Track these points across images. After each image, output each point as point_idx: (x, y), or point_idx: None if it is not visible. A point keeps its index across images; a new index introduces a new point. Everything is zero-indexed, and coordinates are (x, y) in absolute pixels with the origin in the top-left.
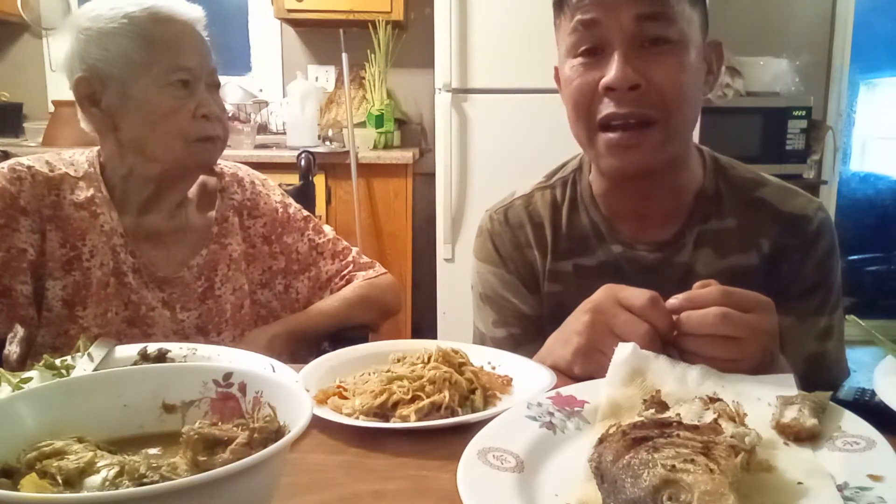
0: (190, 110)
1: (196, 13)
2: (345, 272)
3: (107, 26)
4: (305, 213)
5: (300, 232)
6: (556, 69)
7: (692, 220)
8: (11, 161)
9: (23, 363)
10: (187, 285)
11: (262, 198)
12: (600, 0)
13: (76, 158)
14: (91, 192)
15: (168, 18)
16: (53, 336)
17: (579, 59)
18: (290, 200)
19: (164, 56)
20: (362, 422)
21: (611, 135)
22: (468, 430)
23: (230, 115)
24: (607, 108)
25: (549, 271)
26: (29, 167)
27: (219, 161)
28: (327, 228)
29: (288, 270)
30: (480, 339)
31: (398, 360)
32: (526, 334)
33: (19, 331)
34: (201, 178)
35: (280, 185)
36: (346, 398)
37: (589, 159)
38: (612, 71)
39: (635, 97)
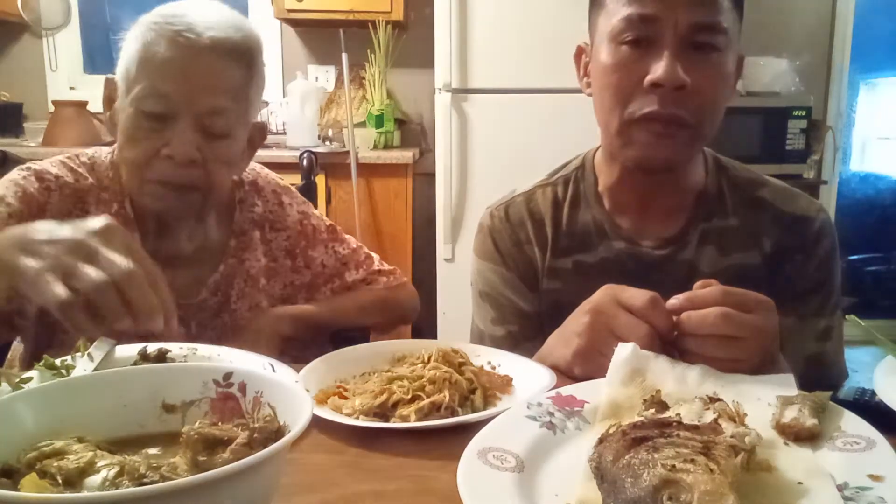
0: (155, 146)
1: (221, 35)
2: (368, 278)
3: (134, 31)
4: (327, 221)
5: (325, 244)
6: (581, 48)
7: (695, 218)
8: (36, 167)
9: (29, 365)
10: (203, 301)
11: (285, 209)
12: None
13: (98, 159)
14: (115, 207)
15: (173, 36)
16: (59, 345)
17: (624, 48)
18: (311, 209)
19: (147, 78)
20: (362, 422)
21: (647, 128)
22: (468, 430)
23: None
24: (649, 104)
25: (548, 268)
26: (56, 176)
27: None
28: (348, 237)
29: (312, 284)
30: (479, 337)
31: (398, 360)
32: (524, 332)
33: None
34: None
35: None
36: (346, 398)
37: (608, 148)
38: (661, 68)
39: (678, 97)
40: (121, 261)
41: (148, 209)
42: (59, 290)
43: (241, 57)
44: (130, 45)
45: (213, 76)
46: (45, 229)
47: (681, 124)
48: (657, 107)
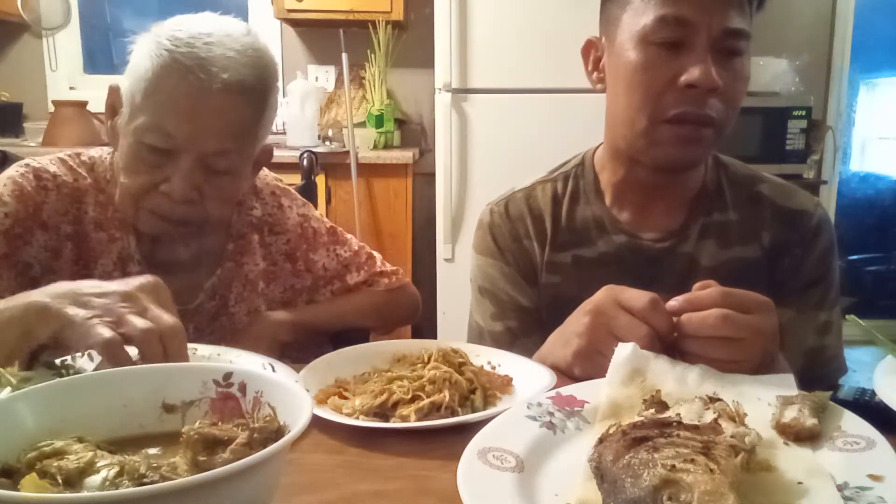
0: (153, 181)
1: (236, 78)
2: (369, 280)
3: (146, 45)
4: (328, 223)
5: (326, 247)
6: (592, 42)
7: (696, 213)
8: (35, 164)
9: (29, 365)
10: (200, 305)
11: (285, 211)
12: (697, 3)
13: (98, 160)
14: (111, 210)
15: (184, 73)
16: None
17: (654, 48)
18: (311, 210)
19: (152, 112)
20: (362, 422)
21: (678, 128)
22: (468, 430)
23: None
24: (681, 105)
25: (547, 262)
26: (54, 175)
27: None
28: (350, 237)
29: (313, 287)
30: (478, 333)
31: (398, 360)
32: (523, 328)
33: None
34: None
35: None
36: (346, 398)
37: (626, 147)
38: (698, 70)
39: (708, 99)
40: (167, 316)
41: (150, 235)
42: (106, 331)
43: (253, 97)
44: (140, 60)
45: (222, 119)
46: (95, 284)
47: (708, 125)
48: (689, 107)
